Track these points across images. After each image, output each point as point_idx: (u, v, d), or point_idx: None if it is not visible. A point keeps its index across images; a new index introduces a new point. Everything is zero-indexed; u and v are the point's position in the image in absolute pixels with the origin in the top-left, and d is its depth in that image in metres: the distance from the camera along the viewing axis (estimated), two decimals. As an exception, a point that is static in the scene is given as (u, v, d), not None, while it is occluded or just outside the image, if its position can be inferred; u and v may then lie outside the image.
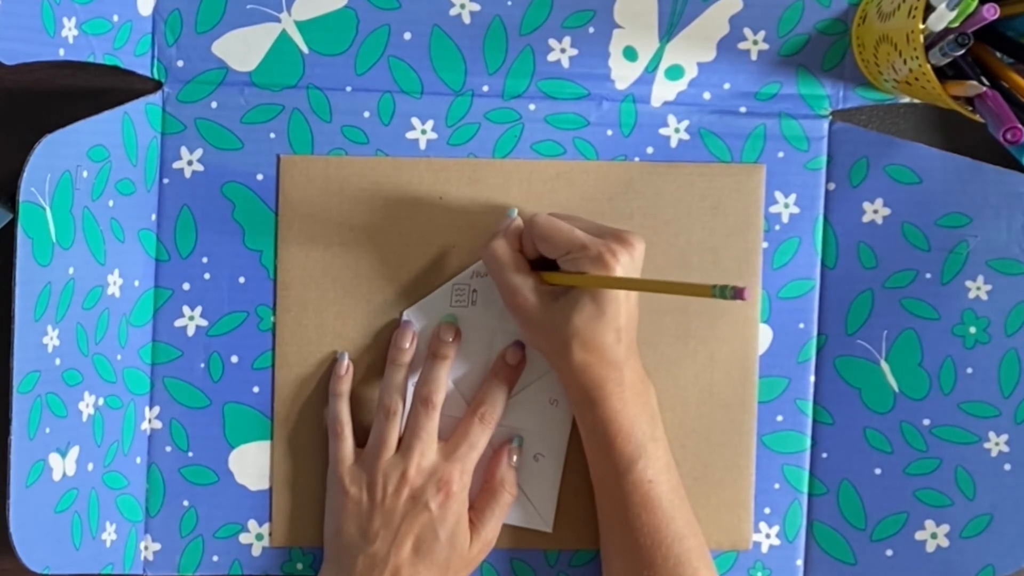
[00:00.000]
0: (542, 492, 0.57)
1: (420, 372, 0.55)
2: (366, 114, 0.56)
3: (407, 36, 0.56)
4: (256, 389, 0.57)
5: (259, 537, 0.57)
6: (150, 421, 0.56)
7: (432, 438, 0.54)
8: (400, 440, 0.54)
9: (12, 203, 0.47)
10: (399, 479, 0.53)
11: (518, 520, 0.57)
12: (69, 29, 0.50)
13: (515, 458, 0.56)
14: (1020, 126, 0.47)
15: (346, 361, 0.56)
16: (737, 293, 0.41)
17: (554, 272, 0.52)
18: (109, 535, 0.54)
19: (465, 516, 0.53)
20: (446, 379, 0.55)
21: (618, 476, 0.51)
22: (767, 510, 0.58)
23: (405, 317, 0.56)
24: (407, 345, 0.55)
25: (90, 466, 0.53)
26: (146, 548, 0.57)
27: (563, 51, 0.56)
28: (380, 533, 0.52)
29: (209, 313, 0.56)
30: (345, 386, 0.56)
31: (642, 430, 0.51)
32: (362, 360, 0.56)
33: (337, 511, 0.54)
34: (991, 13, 0.45)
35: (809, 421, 0.58)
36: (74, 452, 0.51)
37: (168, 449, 0.57)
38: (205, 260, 0.56)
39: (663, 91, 0.57)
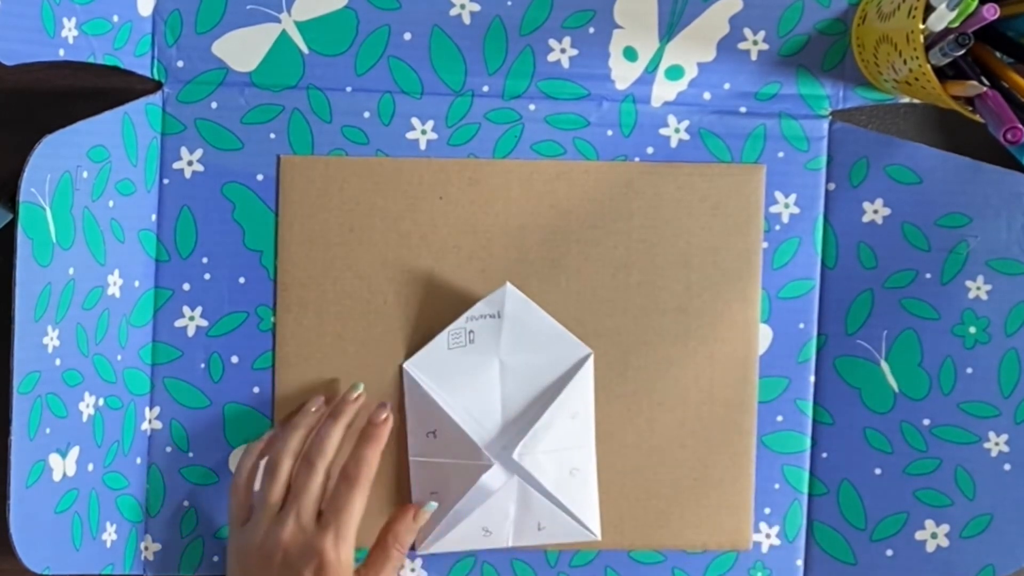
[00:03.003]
0: (585, 504, 0.57)
1: (315, 431, 0.54)
2: (366, 114, 0.56)
3: (407, 36, 0.56)
4: (256, 389, 0.57)
5: (259, 537, 0.57)
6: (150, 421, 0.56)
7: (311, 498, 0.51)
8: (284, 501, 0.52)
9: (12, 203, 0.47)
10: (274, 545, 0.50)
11: (564, 538, 0.57)
12: (69, 29, 0.50)
13: (421, 519, 0.54)
14: (1020, 126, 0.47)
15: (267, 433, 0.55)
16: None
17: None
18: (109, 535, 0.54)
19: None
20: (337, 438, 0.53)
21: None
22: (767, 510, 0.58)
23: (406, 367, 0.56)
24: (311, 411, 0.54)
25: (90, 466, 0.53)
26: (146, 548, 0.57)
27: (563, 51, 0.56)
28: None
29: (209, 313, 0.56)
30: (258, 445, 0.55)
31: None
32: (361, 359, 0.56)
33: (228, 569, 0.53)
34: (991, 13, 0.45)
35: (809, 421, 0.58)
36: (74, 452, 0.51)
37: (168, 449, 0.57)
38: (205, 260, 0.56)
39: (663, 91, 0.57)
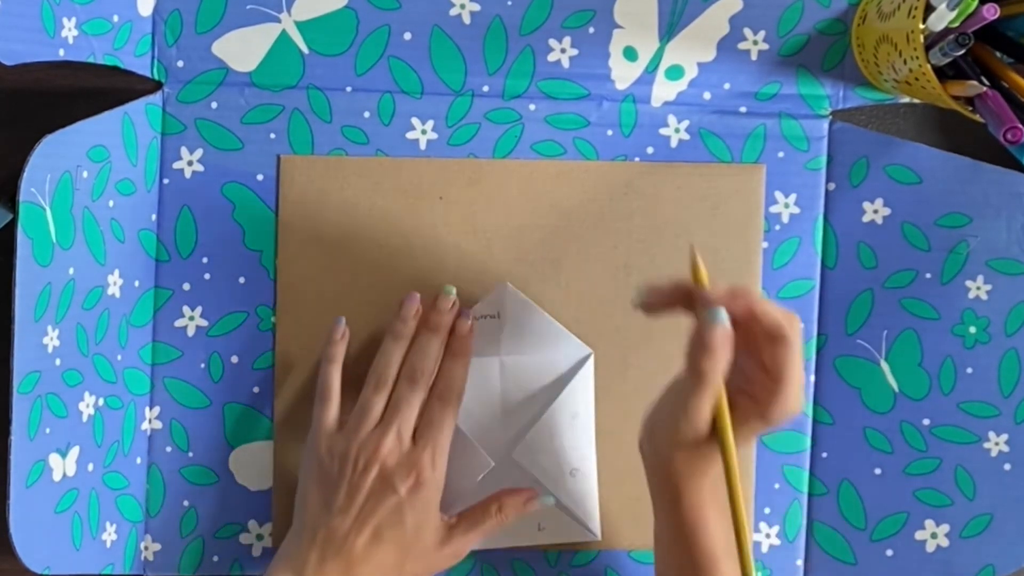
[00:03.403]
0: (585, 504, 0.57)
1: (413, 345, 0.53)
2: (366, 114, 0.56)
3: (407, 36, 0.56)
4: (256, 389, 0.57)
5: (259, 537, 0.57)
6: (150, 421, 0.56)
7: (412, 413, 0.51)
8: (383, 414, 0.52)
9: (12, 203, 0.47)
10: (371, 455, 0.50)
11: (564, 538, 0.57)
12: (69, 29, 0.50)
13: (530, 507, 0.54)
14: (1020, 126, 0.47)
15: (342, 326, 0.54)
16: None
17: (723, 424, 0.45)
18: (109, 535, 0.54)
19: (435, 507, 0.51)
20: (437, 352, 0.52)
21: (703, 572, 0.47)
22: (767, 510, 0.58)
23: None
24: (411, 316, 0.53)
25: (90, 466, 0.53)
26: (146, 548, 0.57)
27: (563, 51, 0.56)
28: (345, 508, 0.50)
29: (209, 313, 0.56)
30: (339, 351, 0.54)
31: (725, 530, 0.47)
32: (362, 360, 0.56)
33: (308, 478, 0.52)
34: (991, 13, 0.45)
35: (809, 421, 0.58)
36: (74, 452, 0.51)
37: (168, 449, 0.57)
38: (205, 260, 0.56)
39: (663, 91, 0.57)
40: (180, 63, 0.56)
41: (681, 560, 0.48)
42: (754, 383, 0.45)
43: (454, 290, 0.55)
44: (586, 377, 0.56)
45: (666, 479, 0.47)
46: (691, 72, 0.57)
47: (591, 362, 0.56)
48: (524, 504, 0.54)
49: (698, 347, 0.43)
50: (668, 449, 0.46)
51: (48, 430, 0.49)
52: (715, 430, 0.45)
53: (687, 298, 0.46)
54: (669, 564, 0.49)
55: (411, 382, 0.52)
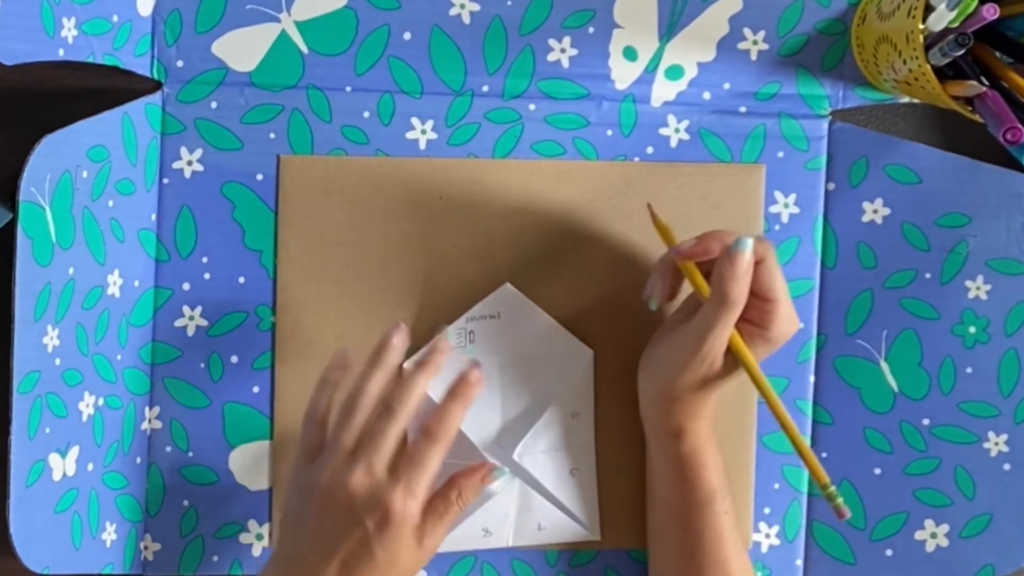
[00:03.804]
0: (585, 504, 0.57)
1: (401, 376, 0.50)
2: (366, 114, 0.56)
3: (407, 36, 0.56)
4: (256, 389, 0.57)
5: (259, 537, 0.57)
6: (150, 421, 0.56)
7: (387, 446, 0.48)
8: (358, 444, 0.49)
9: (12, 203, 0.47)
10: (339, 487, 0.47)
11: (564, 538, 0.57)
12: (69, 29, 0.50)
13: (492, 484, 0.51)
14: (1020, 126, 0.47)
15: (346, 357, 0.52)
16: (839, 512, 0.48)
17: (740, 343, 0.49)
18: (109, 535, 0.54)
19: (408, 538, 0.48)
20: (421, 388, 0.49)
21: (700, 508, 0.51)
22: (767, 510, 0.58)
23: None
24: (394, 347, 0.50)
25: (90, 466, 0.53)
26: (146, 548, 0.57)
27: (563, 51, 0.56)
28: (311, 540, 0.48)
29: (209, 313, 0.56)
30: (336, 377, 0.51)
31: (721, 462, 0.52)
32: (362, 360, 0.56)
33: (285, 507, 0.50)
34: (991, 13, 0.45)
35: (809, 421, 0.58)
36: (74, 452, 0.51)
37: (168, 449, 0.57)
38: (205, 260, 0.56)
39: (663, 91, 0.57)
40: (180, 63, 0.56)
41: (678, 498, 0.52)
42: (750, 309, 0.49)
43: (451, 331, 0.55)
44: (586, 377, 0.56)
45: (669, 417, 0.51)
46: (691, 72, 0.57)
47: (591, 362, 0.56)
48: (481, 482, 0.51)
49: (727, 274, 0.47)
50: (676, 389, 0.50)
51: (48, 430, 0.49)
52: (731, 354, 0.49)
53: (675, 269, 0.51)
54: (665, 502, 0.53)
55: (390, 413, 0.48)
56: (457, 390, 0.50)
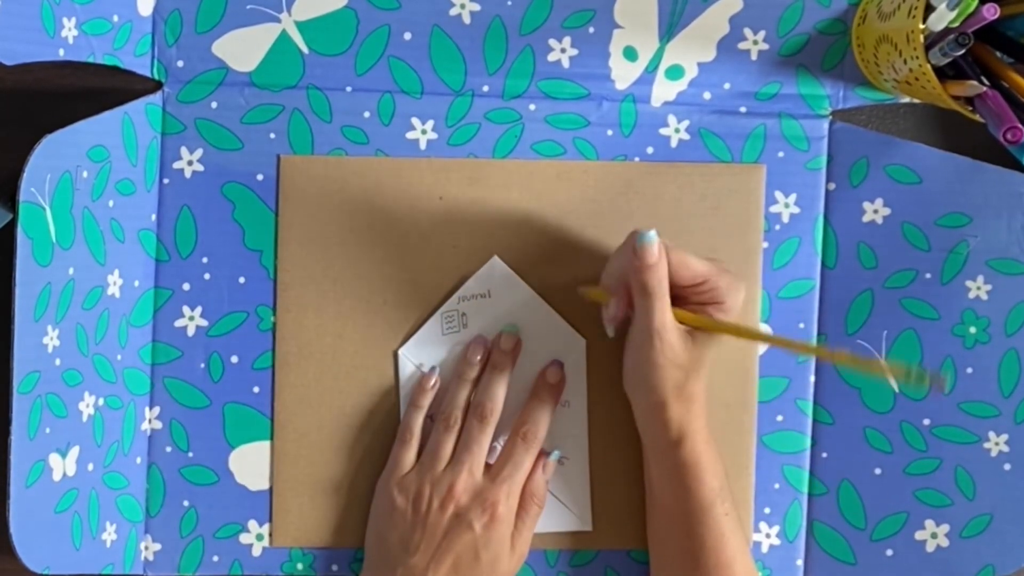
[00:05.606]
0: (576, 494, 0.57)
1: (479, 384, 0.55)
2: (366, 114, 0.56)
3: (407, 36, 0.56)
4: (256, 389, 0.57)
5: (259, 537, 0.57)
6: (150, 421, 0.57)
7: (482, 452, 0.53)
8: (453, 453, 0.54)
9: (12, 203, 0.47)
10: (445, 494, 0.52)
11: (557, 526, 0.57)
12: (69, 29, 0.50)
13: (549, 472, 0.55)
14: (1020, 126, 0.47)
15: (435, 377, 0.56)
16: (935, 384, 0.48)
17: (694, 315, 0.51)
18: (109, 535, 0.54)
19: (508, 539, 0.53)
20: (503, 391, 0.55)
21: (701, 513, 0.51)
22: (767, 510, 0.58)
23: (401, 355, 0.56)
24: (477, 360, 0.55)
25: (90, 466, 0.53)
26: (146, 548, 0.57)
27: (563, 51, 0.56)
28: (421, 547, 0.52)
29: (209, 313, 0.56)
30: (427, 400, 0.56)
31: (721, 465, 0.52)
32: (361, 360, 0.56)
33: (382, 518, 0.54)
34: (991, 13, 0.45)
35: (809, 421, 0.58)
36: (74, 452, 0.51)
37: (168, 449, 0.57)
38: (205, 260, 0.56)
39: (663, 91, 0.57)
40: (180, 63, 0.56)
41: (680, 504, 0.52)
42: (697, 296, 0.51)
43: (516, 329, 0.56)
44: (579, 365, 0.56)
45: (667, 426, 0.51)
46: (691, 72, 0.57)
47: (584, 351, 0.56)
48: (543, 474, 0.55)
49: (638, 266, 0.49)
50: (660, 392, 0.50)
51: (48, 430, 0.49)
52: (697, 337, 0.50)
53: (627, 294, 0.51)
54: (666, 509, 0.53)
55: (480, 420, 0.54)
56: (543, 394, 0.55)
